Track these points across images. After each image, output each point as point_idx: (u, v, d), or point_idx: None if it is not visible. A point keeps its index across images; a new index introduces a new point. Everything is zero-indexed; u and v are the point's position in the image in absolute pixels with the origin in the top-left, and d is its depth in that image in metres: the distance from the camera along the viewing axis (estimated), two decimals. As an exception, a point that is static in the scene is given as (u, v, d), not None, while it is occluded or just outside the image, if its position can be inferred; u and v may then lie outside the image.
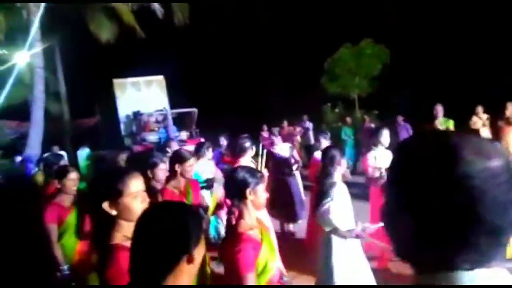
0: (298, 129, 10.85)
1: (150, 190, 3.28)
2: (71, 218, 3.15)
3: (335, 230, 2.89)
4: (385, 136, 4.20)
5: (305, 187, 5.94)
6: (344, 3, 19.34)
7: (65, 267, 3.02)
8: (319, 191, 2.98)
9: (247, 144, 3.93)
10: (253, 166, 3.65)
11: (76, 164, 10.94)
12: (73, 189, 3.21)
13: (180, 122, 11.40)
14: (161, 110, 11.63)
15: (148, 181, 3.95)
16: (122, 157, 4.71)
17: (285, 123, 11.28)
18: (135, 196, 1.56)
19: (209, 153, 4.57)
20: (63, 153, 10.24)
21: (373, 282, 2.98)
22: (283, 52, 20.26)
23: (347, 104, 15.39)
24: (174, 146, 5.57)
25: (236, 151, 3.79)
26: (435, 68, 16.80)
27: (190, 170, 3.19)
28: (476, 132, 6.46)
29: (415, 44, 17.46)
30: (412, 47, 17.09)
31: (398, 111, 9.56)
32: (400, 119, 9.11)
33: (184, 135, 11.02)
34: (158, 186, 3.20)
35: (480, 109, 7.64)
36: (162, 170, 3.20)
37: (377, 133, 4.31)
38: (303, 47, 19.13)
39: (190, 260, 1.09)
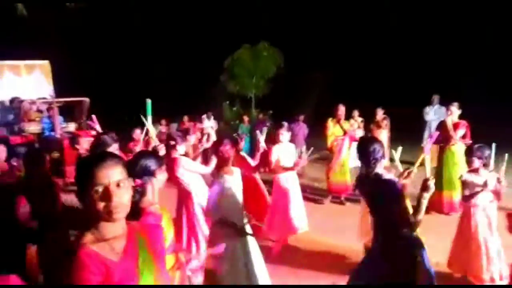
0: (198, 125, 10.95)
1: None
2: None
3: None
4: (286, 134, 5.22)
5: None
6: (245, 5, 20.08)
7: None
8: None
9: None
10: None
11: None
12: None
13: (68, 112, 10.49)
14: (43, 98, 10.56)
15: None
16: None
17: (186, 118, 11.26)
18: None
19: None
20: None
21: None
22: (183, 45, 20.07)
23: (244, 103, 15.98)
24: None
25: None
26: (324, 72, 18.57)
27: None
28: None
29: (308, 47, 19.08)
30: (305, 50, 18.65)
31: (291, 111, 10.36)
32: (300, 118, 9.85)
33: (72, 126, 10.20)
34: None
35: (356, 113, 8.81)
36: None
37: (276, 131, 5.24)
38: (205, 43, 19.26)
39: None
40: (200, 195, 4.21)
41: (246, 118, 11.70)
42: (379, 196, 2.76)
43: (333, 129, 6.87)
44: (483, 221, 3.93)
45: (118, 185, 1.37)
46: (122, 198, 1.38)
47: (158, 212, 2.27)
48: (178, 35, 20.23)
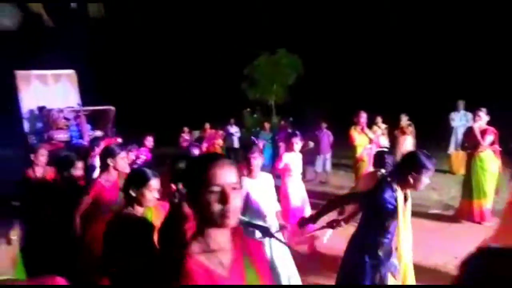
0: (220, 132, 11.06)
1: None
2: None
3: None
4: (299, 143, 5.16)
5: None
6: (264, 13, 20.24)
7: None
8: None
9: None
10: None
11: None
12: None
13: (95, 120, 10.75)
14: (70, 107, 10.85)
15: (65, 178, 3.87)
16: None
17: (207, 126, 11.38)
18: None
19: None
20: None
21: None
22: (204, 54, 20.35)
23: (265, 110, 16.09)
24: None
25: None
26: (344, 79, 18.49)
27: (123, 162, 3.48)
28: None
29: (328, 55, 19.06)
30: (325, 58, 18.62)
31: (312, 118, 10.34)
32: (323, 125, 9.78)
33: (99, 134, 10.43)
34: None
35: (379, 119, 8.69)
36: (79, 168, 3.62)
37: (290, 139, 5.19)
38: (225, 51, 19.48)
39: None
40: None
41: (267, 125, 11.74)
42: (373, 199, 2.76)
43: (359, 138, 6.67)
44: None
45: (233, 188, 1.25)
46: (237, 203, 1.25)
47: None
48: (199, 43, 20.54)
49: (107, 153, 3.49)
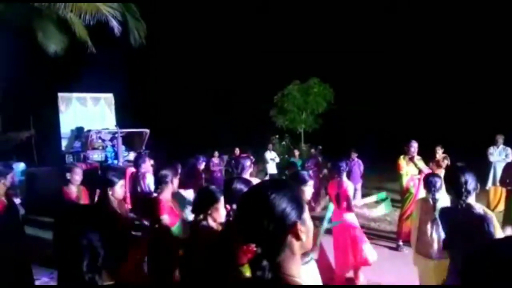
0: (251, 157, 11.08)
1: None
2: None
3: None
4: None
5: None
6: (294, 43, 20.64)
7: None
8: None
9: (248, 163, 4.17)
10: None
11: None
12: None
13: (129, 142, 11.09)
14: (107, 129, 11.26)
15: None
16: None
17: (237, 150, 11.46)
18: None
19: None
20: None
21: None
22: (235, 80, 20.82)
23: (293, 138, 16.12)
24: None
25: (238, 169, 4.06)
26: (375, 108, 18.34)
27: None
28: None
29: (359, 84, 19.06)
30: (356, 87, 18.61)
31: (340, 147, 10.23)
32: (354, 155, 9.67)
33: (132, 155, 10.72)
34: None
35: (439, 150, 8.47)
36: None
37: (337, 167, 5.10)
38: (256, 79, 19.87)
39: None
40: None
41: (296, 152, 11.72)
42: (469, 227, 2.61)
43: (406, 168, 6.35)
44: None
45: None
46: None
47: None
48: (230, 70, 21.08)
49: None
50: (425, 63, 19.73)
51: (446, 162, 8.61)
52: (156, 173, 3.96)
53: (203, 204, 2.65)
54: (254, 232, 1.06)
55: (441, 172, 8.61)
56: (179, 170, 5.04)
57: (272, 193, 1.09)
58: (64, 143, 11.62)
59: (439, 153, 8.80)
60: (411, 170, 6.29)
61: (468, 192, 2.65)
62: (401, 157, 6.46)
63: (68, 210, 1.50)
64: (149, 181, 5.21)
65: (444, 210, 2.96)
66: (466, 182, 2.64)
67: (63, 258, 1.31)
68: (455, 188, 2.68)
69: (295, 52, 20.49)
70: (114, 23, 11.06)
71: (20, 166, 10.20)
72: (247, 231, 1.08)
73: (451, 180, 2.78)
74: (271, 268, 1.03)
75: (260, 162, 12.06)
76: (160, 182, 3.68)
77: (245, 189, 2.28)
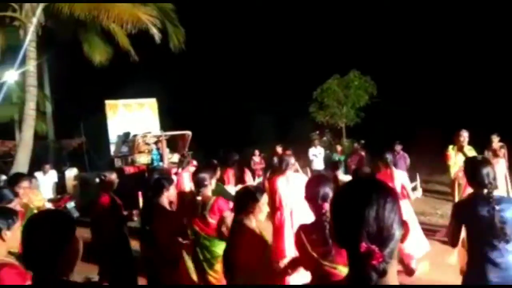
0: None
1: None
2: None
3: None
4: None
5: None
6: (334, 36, 20.20)
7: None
8: None
9: (292, 160, 4.38)
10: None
11: (63, 184, 10.78)
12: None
13: (172, 144, 11.40)
14: (150, 133, 11.64)
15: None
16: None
17: (279, 149, 11.37)
18: None
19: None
20: (53, 172, 10.16)
21: None
22: (273, 79, 20.79)
23: (334, 133, 15.79)
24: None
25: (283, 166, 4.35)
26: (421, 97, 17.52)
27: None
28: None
29: (401, 76, 18.28)
30: (398, 80, 17.86)
31: (384, 140, 9.83)
32: (398, 148, 9.31)
33: (175, 157, 11.00)
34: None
35: (495, 138, 8.02)
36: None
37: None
38: (294, 75, 19.71)
39: None
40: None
41: (339, 148, 11.45)
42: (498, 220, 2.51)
43: (455, 158, 5.99)
44: None
45: None
46: None
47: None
48: (267, 67, 21.09)
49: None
50: (479, 49, 18.47)
51: (503, 151, 8.04)
52: (194, 175, 3.98)
53: (243, 203, 2.72)
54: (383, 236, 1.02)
55: (498, 162, 8.06)
56: (218, 170, 5.05)
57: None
58: (112, 148, 12.19)
59: (495, 141, 8.23)
60: (460, 160, 5.86)
61: (491, 184, 2.65)
62: (450, 147, 6.09)
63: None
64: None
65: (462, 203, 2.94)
66: (488, 174, 2.67)
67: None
68: (478, 180, 2.70)
69: (333, 46, 20.03)
70: (154, 31, 11.39)
71: (73, 172, 10.82)
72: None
73: (473, 174, 2.78)
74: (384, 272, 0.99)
75: (301, 159, 11.90)
76: (199, 185, 3.73)
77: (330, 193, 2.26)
